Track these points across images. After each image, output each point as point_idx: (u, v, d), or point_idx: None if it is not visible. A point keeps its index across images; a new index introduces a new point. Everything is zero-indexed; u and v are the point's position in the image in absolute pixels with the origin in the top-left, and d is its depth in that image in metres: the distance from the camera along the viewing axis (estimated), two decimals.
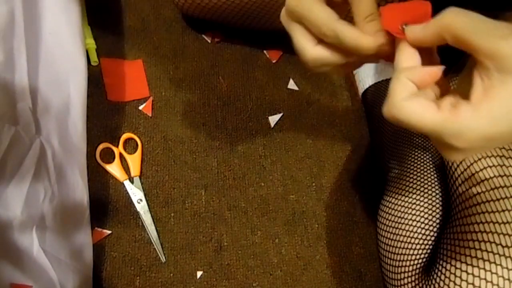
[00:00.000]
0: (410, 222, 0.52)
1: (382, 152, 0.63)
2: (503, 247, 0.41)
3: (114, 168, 0.56)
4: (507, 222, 0.42)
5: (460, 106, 0.27)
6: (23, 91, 0.47)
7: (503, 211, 0.43)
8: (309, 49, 0.34)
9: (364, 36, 0.31)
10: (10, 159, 0.43)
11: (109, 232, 0.53)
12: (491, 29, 0.26)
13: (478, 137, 0.26)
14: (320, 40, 0.33)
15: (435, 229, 0.51)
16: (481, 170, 0.46)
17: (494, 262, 0.41)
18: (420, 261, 0.50)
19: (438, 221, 0.52)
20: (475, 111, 0.26)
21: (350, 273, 0.58)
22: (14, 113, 0.45)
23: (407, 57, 0.30)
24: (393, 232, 0.54)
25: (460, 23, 0.27)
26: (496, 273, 0.41)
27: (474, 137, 0.26)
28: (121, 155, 0.57)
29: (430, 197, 0.53)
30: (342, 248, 0.59)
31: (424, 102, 0.28)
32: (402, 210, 0.54)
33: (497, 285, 0.40)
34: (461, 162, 0.49)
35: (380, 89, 0.66)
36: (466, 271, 0.43)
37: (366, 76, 0.68)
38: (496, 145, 0.28)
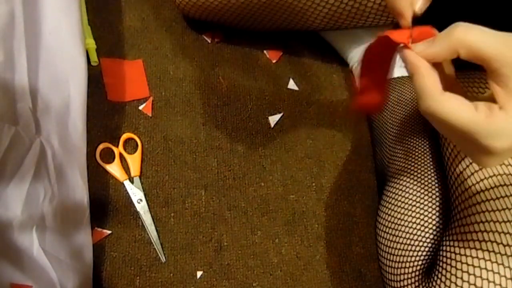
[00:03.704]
0: (410, 224, 0.52)
1: (382, 151, 0.63)
2: (504, 246, 0.41)
3: (114, 168, 0.56)
4: (508, 220, 0.42)
5: (493, 109, 0.27)
6: (23, 91, 0.47)
7: (504, 209, 0.43)
8: None
9: None
10: (10, 159, 0.43)
11: (109, 232, 0.53)
12: (503, 39, 0.27)
13: None
14: None
15: (435, 230, 0.51)
16: (480, 169, 0.46)
17: (496, 262, 0.41)
18: (420, 262, 0.50)
19: (438, 221, 0.52)
20: (508, 114, 0.27)
21: (350, 273, 0.58)
22: (14, 113, 0.45)
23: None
24: (393, 233, 0.54)
25: (472, 37, 0.27)
26: (498, 273, 0.41)
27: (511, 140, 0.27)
28: (121, 155, 0.57)
29: (430, 197, 0.53)
30: (342, 248, 0.59)
31: (461, 100, 0.28)
32: (401, 211, 0.54)
33: (500, 284, 0.40)
34: (460, 162, 0.48)
35: None
36: (468, 272, 0.43)
37: None
38: None
